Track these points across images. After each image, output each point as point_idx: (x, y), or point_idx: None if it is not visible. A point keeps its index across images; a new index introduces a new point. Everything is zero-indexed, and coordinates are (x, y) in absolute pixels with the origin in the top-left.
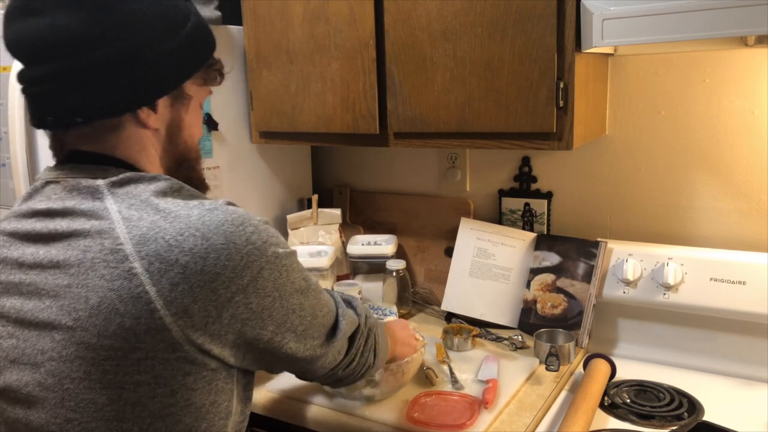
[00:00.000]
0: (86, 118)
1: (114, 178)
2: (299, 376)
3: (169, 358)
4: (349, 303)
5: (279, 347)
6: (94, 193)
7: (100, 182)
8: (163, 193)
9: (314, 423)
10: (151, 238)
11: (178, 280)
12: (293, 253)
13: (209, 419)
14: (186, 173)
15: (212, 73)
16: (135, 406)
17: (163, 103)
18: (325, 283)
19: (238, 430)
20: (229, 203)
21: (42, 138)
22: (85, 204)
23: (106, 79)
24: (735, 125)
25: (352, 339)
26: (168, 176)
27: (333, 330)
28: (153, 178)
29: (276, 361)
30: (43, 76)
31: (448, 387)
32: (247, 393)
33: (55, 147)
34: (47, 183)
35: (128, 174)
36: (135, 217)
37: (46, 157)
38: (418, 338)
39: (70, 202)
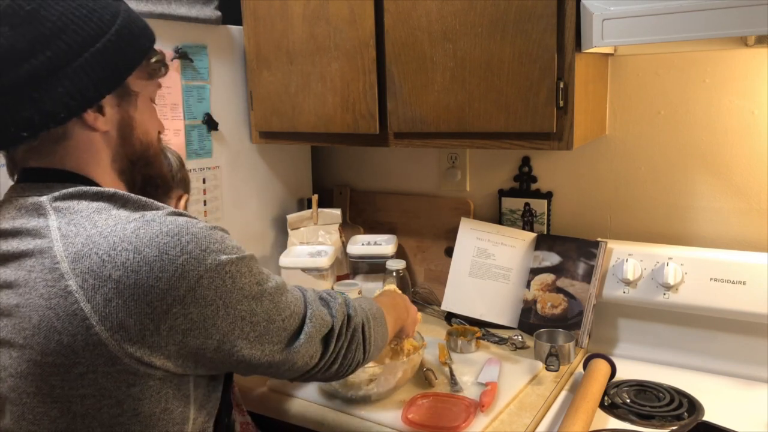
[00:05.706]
0: (31, 132)
1: (56, 194)
2: (274, 378)
3: (110, 371)
4: (326, 303)
5: (230, 355)
6: (39, 210)
7: (43, 199)
8: (106, 208)
9: (312, 422)
10: (86, 255)
11: (111, 296)
12: (243, 259)
13: (161, 426)
14: (144, 171)
15: (154, 65)
16: (84, 418)
17: (108, 104)
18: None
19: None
20: (173, 213)
21: None
22: (31, 222)
23: (42, 90)
24: (735, 125)
25: (327, 342)
26: (114, 189)
27: (296, 334)
28: (96, 194)
29: (232, 367)
30: None
31: (447, 388)
32: (213, 394)
33: (9, 167)
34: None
35: (71, 189)
36: (72, 233)
37: None
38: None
39: (19, 222)
